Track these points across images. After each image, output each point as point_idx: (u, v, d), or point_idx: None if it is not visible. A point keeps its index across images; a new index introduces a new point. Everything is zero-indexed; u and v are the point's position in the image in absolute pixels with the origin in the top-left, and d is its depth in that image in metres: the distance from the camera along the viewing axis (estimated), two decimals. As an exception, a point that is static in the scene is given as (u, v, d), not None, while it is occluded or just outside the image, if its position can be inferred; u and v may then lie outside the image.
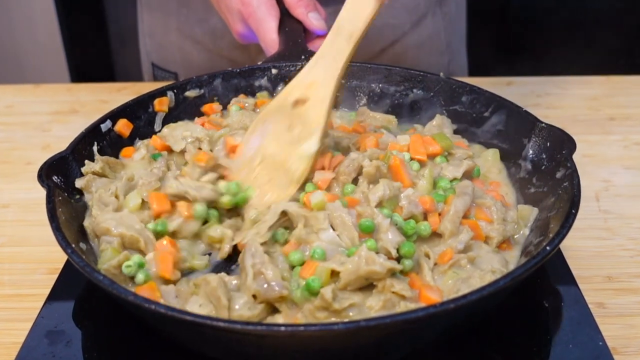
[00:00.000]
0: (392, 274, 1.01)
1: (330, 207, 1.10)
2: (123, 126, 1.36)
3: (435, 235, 1.14)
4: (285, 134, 1.19)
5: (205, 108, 1.48)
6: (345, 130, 1.35)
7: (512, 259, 1.13)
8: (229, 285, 1.04)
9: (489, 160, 1.34)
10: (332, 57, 1.18)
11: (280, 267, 1.05)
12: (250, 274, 1.02)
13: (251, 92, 1.53)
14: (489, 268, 1.06)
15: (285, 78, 1.54)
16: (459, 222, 1.13)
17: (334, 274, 1.02)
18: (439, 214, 1.15)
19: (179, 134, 1.33)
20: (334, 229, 1.08)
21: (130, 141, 1.38)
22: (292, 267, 1.07)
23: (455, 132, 1.42)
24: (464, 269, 1.07)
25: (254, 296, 1.01)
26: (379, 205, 1.13)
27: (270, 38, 1.58)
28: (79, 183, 1.21)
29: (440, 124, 1.40)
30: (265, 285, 1.00)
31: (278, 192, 1.18)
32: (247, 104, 1.47)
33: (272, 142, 1.21)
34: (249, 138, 1.24)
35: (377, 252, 1.03)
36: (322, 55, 1.20)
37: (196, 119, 1.45)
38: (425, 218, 1.14)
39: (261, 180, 1.19)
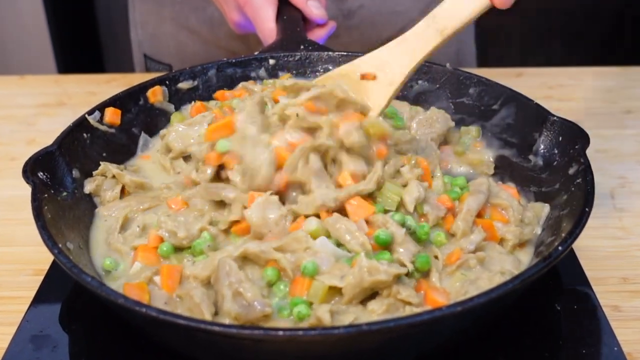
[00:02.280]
0: (398, 278, 1.01)
1: (329, 222, 1.07)
2: (112, 115, 1.36)
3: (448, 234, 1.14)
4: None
5: (217, 94, 1.48)
6: None
7: (525, 259, 1.13)
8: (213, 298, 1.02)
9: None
10: (416, 44, 1.16)
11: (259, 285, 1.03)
12: (229, 296, 0.99)
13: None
14: (497, 269, 1.06)
15: (283, 68, 1.54)
16: (472, 222, 1.14)
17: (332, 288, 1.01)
18: (452, 214, 1.15)
19: (185, 134, 1.33)
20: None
21: (121, 137, 1.38)
22: (270, 285, 1.04)
23: (463, 125, 1.42)
24: (472, 270, 1.07)
25: (235, 318, 0.99)
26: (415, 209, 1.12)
27: (267, 27, 1.57)
28: (88, 187, 1.24)
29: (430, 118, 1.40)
30: (247, 306, 0.98)
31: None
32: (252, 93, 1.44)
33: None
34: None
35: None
36: (406, 39, 1.18)
37: (190, 105, 1.45)
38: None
39: None
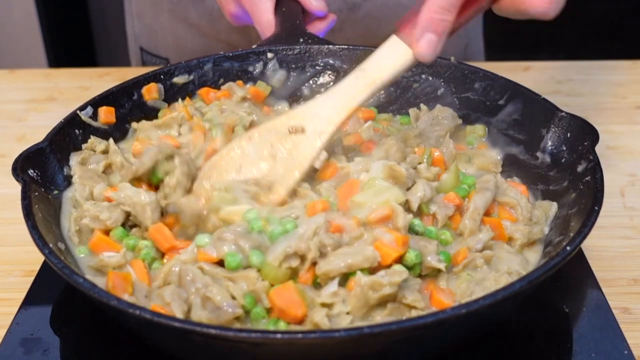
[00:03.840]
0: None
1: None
2: (106, 114, 1.36)
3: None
4: (265, 158, 1.20)
5: (201, 91, 1.48)
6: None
7: (533, 258, 1.13)
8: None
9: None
10: (345, 96, 1.19)
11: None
12: (197, 304, 0.99)
13: (245, 77, 1.53)
14: (504, 269, 1.06)
15: (282, 62, 1.54)
16: (480, 220, 1.14)
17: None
18: (460, 212, 1.16)
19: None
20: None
21: (114, 133, 1.38)
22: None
23: (468, 121, 1.42)
24: (478, 270, 1.07)
25: None
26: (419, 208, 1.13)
27: (265, 19, 1.57)
28: (73, 160, 1.25)
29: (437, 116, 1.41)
30: (216, 309, 0.98)
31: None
32: (234, 95, 1.45)
33: (253, 157, 1.21)
34: (227, 149, 1.23)
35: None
36: (335, 92, 1.20)
37: (176, 104, 1.45)
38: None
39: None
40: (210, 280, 1.01)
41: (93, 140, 1.31)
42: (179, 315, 0.98)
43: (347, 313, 0.98)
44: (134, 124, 1.39)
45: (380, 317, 0.99)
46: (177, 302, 0.99)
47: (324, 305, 0.99)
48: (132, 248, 1.12)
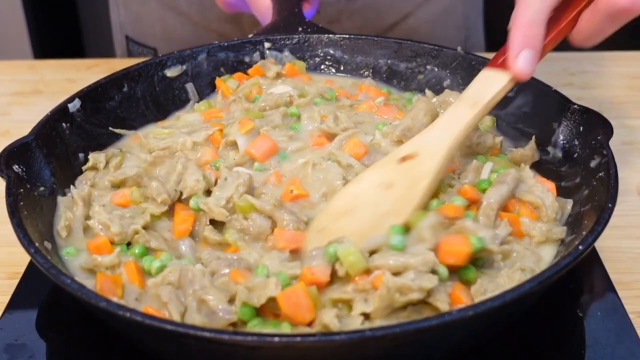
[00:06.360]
0: None
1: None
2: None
3: None
4: (380, 191, 1.16)
5: (251, 71, 1.51)
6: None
7: (548, 256, 1.13)
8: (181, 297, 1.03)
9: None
10: (450, 121, 1.20)
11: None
12: (193, 307, 1.00)
13: (241, 68, 1.53)
14: (518, 265, 1.06)
15: (280, 52, 1.54)
16: (495, 216, 1.14)
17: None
18: (476, 207, 1.16)
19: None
20: None
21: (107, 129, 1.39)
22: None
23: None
24: (492, 266, 1.08)
25: None
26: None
27: (263, 4, 1.57)
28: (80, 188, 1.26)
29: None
30: (211, 314, 0.98)
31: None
32: (269, 72, 1.50)
33: (364, 196, 1.17)
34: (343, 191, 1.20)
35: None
36: (437, 122, 1.21)
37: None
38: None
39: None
40: (209, 283, 1.02)
41: (92, 158, 1.31)
42: (176, 316, 0.98)
43: (368, 315, 0.98)
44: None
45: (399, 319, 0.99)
46: (174, 302, 1.00)
47: (337, 301, 1.00)
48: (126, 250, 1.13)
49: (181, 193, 1.19)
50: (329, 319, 0.96)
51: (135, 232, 1.14)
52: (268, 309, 1.00)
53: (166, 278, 1.05)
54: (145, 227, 1.15)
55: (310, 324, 0.98)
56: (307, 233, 1.13)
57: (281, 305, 0.98)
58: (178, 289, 1.04)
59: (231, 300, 1.00)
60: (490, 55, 1.25)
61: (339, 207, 1.15)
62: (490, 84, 1.20)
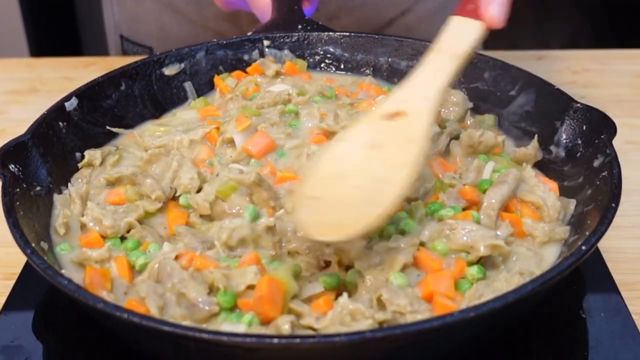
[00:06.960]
0: None
1: None
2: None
3: None
4: (370, 152, 1.11)
5: (250, 69, 1.51)
6: None
7: (550, 256, 1.13)
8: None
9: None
10: (432, 75, 1.17)
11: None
12: (172, 301, 1.01)
13: (240, 67, 1.53)
14: (517, 269, 1.06)
15: (279, 50, 1.54)
16: (496, 216, 1.14)
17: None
18: (477, 208, 1.16)
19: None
20: None
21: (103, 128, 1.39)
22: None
23: (477, 113, 1.43)
24: (493, 269, 1.08)
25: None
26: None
27: (263, 1, 1.57)
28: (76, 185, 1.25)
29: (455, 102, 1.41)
30: (191, 306, 0.99)
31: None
32: (268, 70, 1.51)
33: (353, 158, 1.12)
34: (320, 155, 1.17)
35: None
36: (420, 72, 1.19)
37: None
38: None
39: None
40: (188, 276, 1.02)
41: (88, 155, 1.31)
42: (153, 310, 0.99)
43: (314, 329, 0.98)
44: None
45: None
46: (152, 297, 1.01)
47: (293, 311, 1.00)
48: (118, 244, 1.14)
49: (176, 190, 1.20)
50: (282, 322, 0.95)
51: (129, 226, 1.15)
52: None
53: (152, 274, 1.06)
54: (139, 222, 1.16)
55: (267, 323, 0.98)
56: (295, 198, 1.09)
57: (262, 288, 0.98)
58: (158, 282, 1.04)
59: (210, 292, 1.01)
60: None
61: (327, 171, 1.10)
62: (465, 34, 1.20)
